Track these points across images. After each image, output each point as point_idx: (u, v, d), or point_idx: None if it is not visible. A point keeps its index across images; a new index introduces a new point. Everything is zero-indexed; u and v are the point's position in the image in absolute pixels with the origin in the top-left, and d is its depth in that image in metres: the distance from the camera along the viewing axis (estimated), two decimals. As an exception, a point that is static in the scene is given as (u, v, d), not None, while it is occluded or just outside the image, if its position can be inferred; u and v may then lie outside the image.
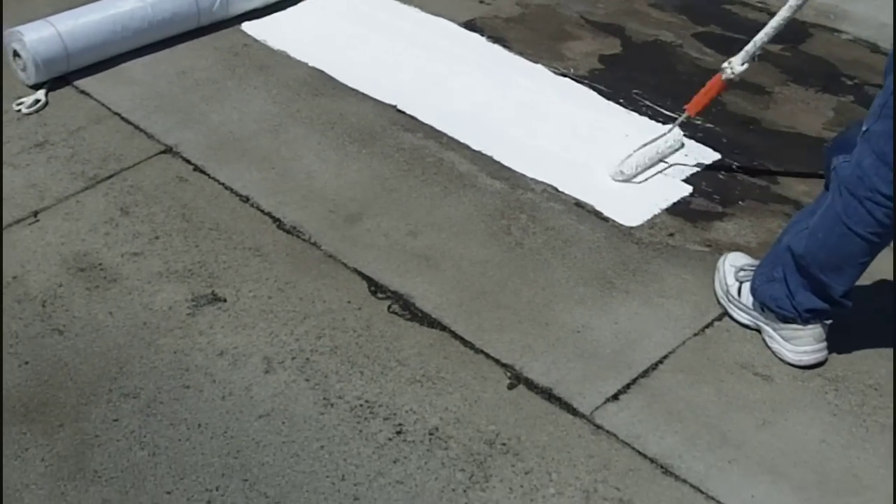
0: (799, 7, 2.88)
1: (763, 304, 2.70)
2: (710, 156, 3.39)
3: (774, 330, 2.69)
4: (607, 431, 2.51)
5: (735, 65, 3.05)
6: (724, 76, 3.08)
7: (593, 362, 2.67)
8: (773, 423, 2.55)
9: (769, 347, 2.71)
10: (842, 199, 2.46)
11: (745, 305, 2.75)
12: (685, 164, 3.33)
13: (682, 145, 3.38)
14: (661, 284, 2.90)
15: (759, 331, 2.75)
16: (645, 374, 2.65)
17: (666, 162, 3.33)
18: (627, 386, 2.62)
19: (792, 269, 2.61)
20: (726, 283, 2.81)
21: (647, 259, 2.99)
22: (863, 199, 2.41)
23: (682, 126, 3.31)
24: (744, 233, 3.09)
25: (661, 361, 2.69)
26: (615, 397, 2.59)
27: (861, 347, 2.74)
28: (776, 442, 2.50)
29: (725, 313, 2.81)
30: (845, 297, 2.57)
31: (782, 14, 2.93)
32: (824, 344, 2.67)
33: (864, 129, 2.42)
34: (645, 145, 3.26)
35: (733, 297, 2.78)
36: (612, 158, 3.29)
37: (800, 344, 2.66)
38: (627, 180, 3.25)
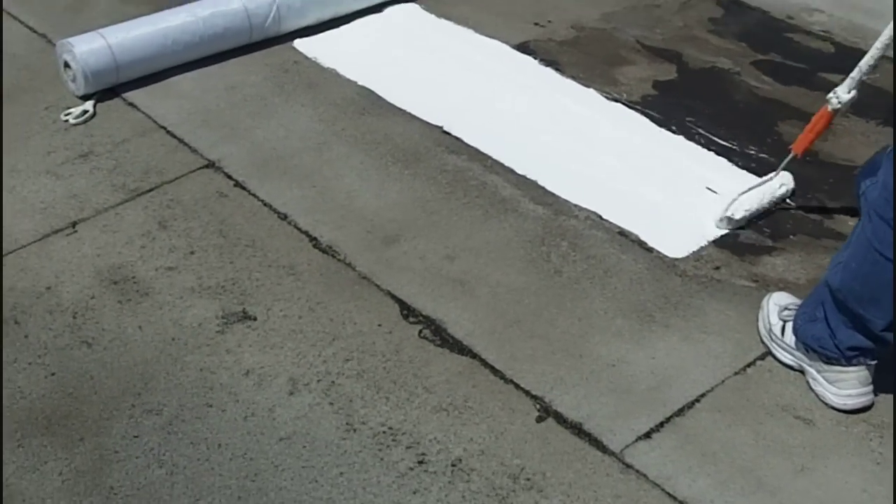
0: None
1: (806, 345, 2.60)
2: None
3: (818, 372, 2.60)
4: (637, 471, 2.42)
5: (841, 94, 2.90)
6: (829, 107, 2.93)
7: (627, 398, 2.59)
8: (813, 469, 2.45)
9: (812, 390, 2.61)
10: (871, 224, 2.39)
11: (788, 345, 2.66)
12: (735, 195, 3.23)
13: (794, 192, 3.26)
14: (703, 320, 2.81)
15: (802, 372, 2.66)
16: (680, 412, 2.56)
17: (715, 191, 3.22)
18: (661, 424, 2.53)
19: (831, 306, 2.52)
20: (769, 322, 2.72)
21: (690, 293, 2.90)
22: (891, 220, 2.33)
23: (734, 156, 3.23)
24: (793, 268, 2.99)
25: (697, 400, 2.60)
26: (647, 436, 2.50)
27: (908, 392, 2.63)
28: (814, 489, 2.40)
29: (768, 353, 2.71)
30: (886, 332, 2.47)
31: (886, 34, 2.75)
32: (870, 388, 2.57)
33: (887, 148, 2.36)
34: (751, 188, 3.13)
35: (776, 336, 2.69)
36: (661, 186, 3.21)
37: (844, 387, 2.56)
38: (734, 228, 3.12)
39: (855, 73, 2.86)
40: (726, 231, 3.11)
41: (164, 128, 3.50)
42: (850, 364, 2.53)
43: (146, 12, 3.83)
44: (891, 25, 2.72)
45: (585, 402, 2.57)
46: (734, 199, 3.09)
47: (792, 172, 3.27)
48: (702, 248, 3.06)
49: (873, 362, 2.54)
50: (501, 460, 2.44)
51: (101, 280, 2.91)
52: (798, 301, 2.71)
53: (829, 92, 2.95)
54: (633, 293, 2.89)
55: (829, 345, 2.54)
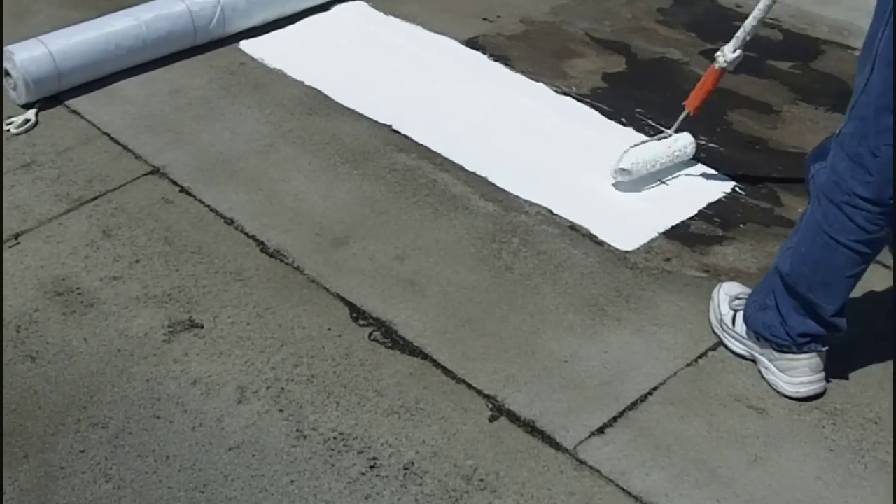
0: None
1: (757, 333, 2.59)
2: (712, 177, 3.27)
3: (770, 360, 2.58)
4: (591, 467, 2.40)
5: (727, 52, 3.01)
6: (716, 65, 3.04)
7: (579, 394, 2.57)
8: (766, 459, 2.43)
9: (765, 379, 2.60)
10: (821, 207, 2.38)
11: (739, 335, 2.65)
12: (685, 186, 3.22)
13: (693, 150, 3.29)
14: (655, 312, 2.80)
15: (754, 361, 2.64)
16: (633, 406, 2.55)
17: (665, 182, 3.22)
18: (614, 419, 2.51)
19: (782, 292, 2.51)
20: (720, 312, 2.70)
21: (641, 285, 2.88)
22: (841, 204, 2.33)
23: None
24: (744, 257, 2.98)
25: (650, 393, 2.58)
26: (600, 431, 2.48)
27: (861, 379, 2.62)
28: (768, 479, 2.39)
29: (720, 343, 2.69)
30: (837, 317, 2.46)
31: None
32: (822, 374, 2.56)
33: (836, 132, 2.35)
34: (644, 142, 3.18)
35: (727, 326, 2.67)
36: (611, 179, 3.20)
37: (796, 375, 2.55)
38: (627, 179, 3.15)
39: (740, 34, 2.99)
40: (622, 180, 3.18)
41: (107, 134, 3.45)
42: (801, 351, 2.52)
43: (89, 17, 3.78)
44: None
45: (538, 400, 2.55)
46: (625, 151, 3.14)
47: (740, 160, 3.27)
48: (652, 239, 3.04)
49: (824, 349, 2.53)
50: (454, 462, 2.41)
51: (44, 292, 2.86)
52: (748, 290, 2.70)
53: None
54: (585, 287, 2.87)
55: (780, 332, 2.52)
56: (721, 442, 2.46)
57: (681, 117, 3.15)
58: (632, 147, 3.16)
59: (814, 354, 2.53)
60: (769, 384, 2.59)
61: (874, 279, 2.82)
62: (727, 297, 2.72)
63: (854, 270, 2.42)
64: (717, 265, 2.95)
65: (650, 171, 3.19)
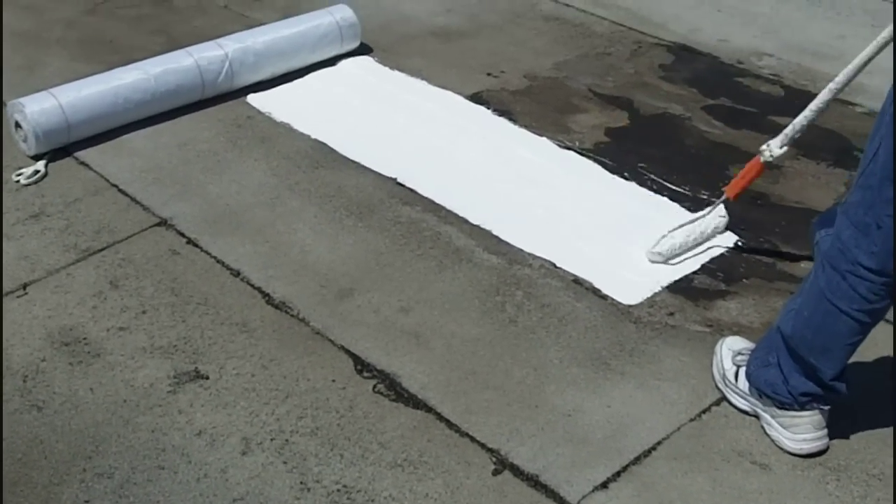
0: (839, 90, 2.81)
1: (759, 390, 2.60)
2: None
3: (772, 417, 2.59)
4: (594, 521, 2.41)
5: (773, 147, 2.98)
6: (762, 159, 3.00)
7: (583, 448, 2.58)
8: (769, 513, 2.44)
9: (768, 435, 2.61)
10: (825, 274, 2.39)
11: (742, 391, 2.66)
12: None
13: (726, 227, 3.30)
14: (658, 366, 2.81)
15: (757, 417, 2.65)
16: (637, 461, 2.55)
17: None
18: (617, 473, 2.52)
19: (784, 352, 2.52)
20: (723, 368, 2.71)
21: (644, 339, 2.90)
22: (845, 273, 2.33)
23: (686, 201, 3.24)
24: (747, 312, 3.00)
25: (654, 448, 2.59)
26: (604, 485, 2.49)
27: (865, 435, 2.62)
28: (771, 534, 2.39)
29: (723, 398, 2.70)
30: (837, 381, 2.47)
31: (823, 97, 2.84)
32: (824, 431, 2.57)
33: (843, 200, 2.37)
34: (683, 225, 3.16)
35: (730, 381, 2.69)
36: (614, 233, 3.22)
37: (798, 431, 2.55)
38: (665, 262, 3.15)
39: (788, 130, 2.94)
40: (656, 260, 3.15)
41: (115, 186, 3.48)
42: (803, 409, 2.53)
43: (99, 70, 3.83)
44: (829, 87, 2.81)
45: (542, 454, 2.56)
46: (664, 236, 3.13)
47: (742, 215, 3.29)
48: (655, 294, 3.06)
49: (827, 407, 2.54)
50: (457, 515, 2.42)
51: (52, 342, 2.87)
52: (751, 345, 2.71)
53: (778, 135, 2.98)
54: (588, 341, 2.89)
55: (782, 390, 2.54)
56: (725, 498, 2.46)
57: (718, 201, 3.16)
58: (671, 231, 3.15)
59: (816, 412, 2.54)
60: (772, 440, 2.59)
61: (878, 336, 2.82)
62: (730, 352, 2.73)
63: (854, 338, 2.41)
64: (721, 320, 2.96)
65: (680, 251, 3.20)
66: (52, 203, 3.41)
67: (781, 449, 2.57)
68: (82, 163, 3.61)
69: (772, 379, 2.55)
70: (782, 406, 2.55)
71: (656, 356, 2.84)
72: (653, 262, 3.15)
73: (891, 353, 2.83)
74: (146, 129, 3.78)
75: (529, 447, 2.57)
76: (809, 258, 3.15)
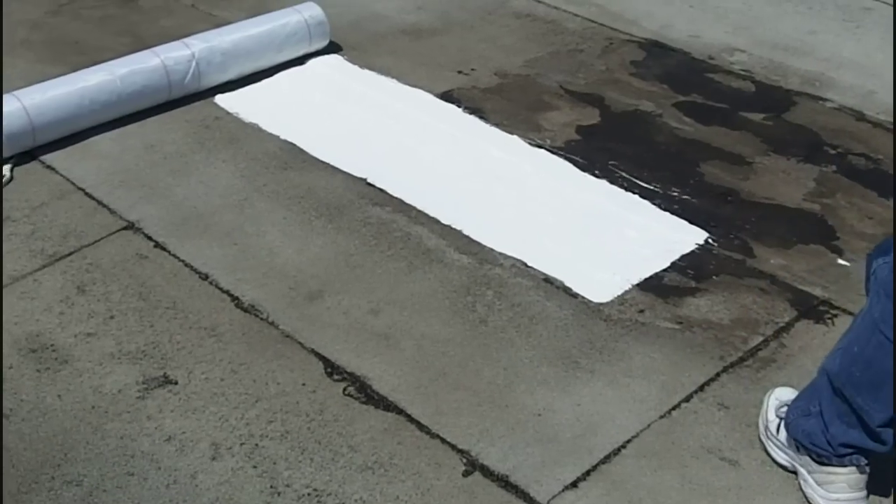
0: None
1: (797, 441, 2.46)
2: (685, 228, 3.30)
3: (809, 472, 2.45)
4: (564, 521, 2.40)
5: None
6: None
7: (553, 447, 2.57)
8: (739, 511, 2.44)
9: (803, 492, 2.46)
10: (880, 304, 2.23)
11: (781, 443, 2.53)
12: (659, 238, 3.24)
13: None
14: (629, 364, 2.81)
15: (796, 474, 2.51)
16: (606, 459, 2.55)
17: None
18: (587, 473, 2.51)
19: (828, 396, 2.36)
20: (767, 419, 2.59)
21: (614, 337, 2.89)
22: None
23: (656, 199, 3.23)
24: (717, 309, 3.00)
25: (623, 446, 2.58)
26: (574, 485, 2.48)
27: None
28: (742, 532, 2.39)
29: (692, 395, 2.69)
30: (884, 428, 2.30)
31: None
32: (863, 494, 2.41)
33: None
34: None
35: (772, 434, 2.56)
36: (585, 231, 3.21)
37: (833, 490, 2.40)
38: None
39: None
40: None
41: (82, 190, 3.46)
42: (841, 464, 2.39)
43: (64, 72, 3.80)
44: None
45: (512, 454, 2.55)
46: None
47: (712, 211, 3.29)
48: (626, 291, 3.05)
49: (866, 463, 2.39)
50: (428, 517, 2.41)
51: (18, 349, 2.85)
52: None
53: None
54: (559, 340, 2.88)
55: (820, 440, 2.39)
56: (694, 494, 2.46)
57: None
58: None
59: (853, 469, 2.38)
60: (806, 497, 2.46)
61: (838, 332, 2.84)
62: (776, 402, 2.61)
63: None
64: (691, 317, 2.96)
65: None
66: (18, 208, 3.38)
67: None
68: (48, 166, 3.58)
69: (811, 429, 2.41)
70: (819, 459, 2.41)
71: (626, 354, 2.84)
72: None
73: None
74: (113, 131, 3.75)
75: (500, 447, 2.57)
76: (781, 251, 3.18)
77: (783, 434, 2.52)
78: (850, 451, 2.37)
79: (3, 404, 2.67)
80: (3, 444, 2.58)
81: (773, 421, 2.57)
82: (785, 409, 2.55)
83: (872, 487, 2.44)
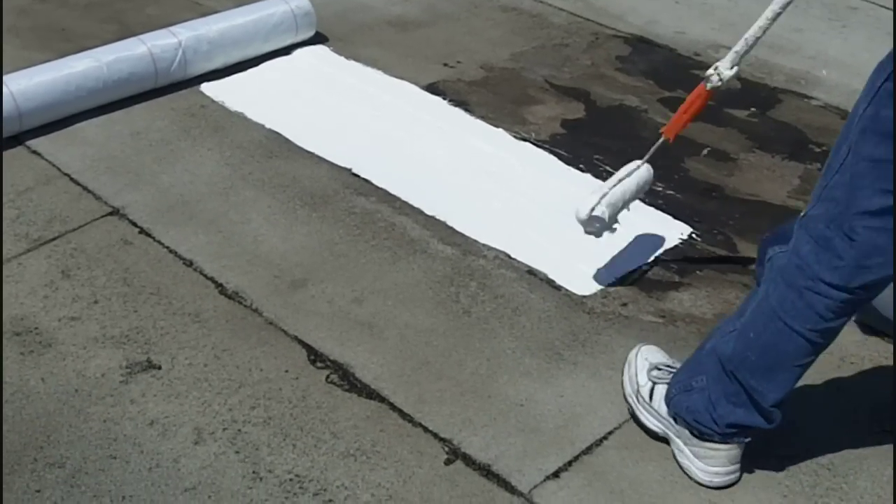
0: None
1: (677, 416, 2.47)
2: (668, 223, 3.31)
3: (685, 444, 2.47)
4: (545, 511, 2.42)
5: (723, 69, 2.63)
6: (708, 85, 2.67)
7: (535, 437, 2.58)
8: (720, 503, 2.45)
9: (677, 461, 2.49)
10: (777, 291, 2.26)
11: (656, 412, 2.52)
12: (642, 232, 3.25)
13: (651, 179, 3.07)
14: (611, 356, 2.82)
15: (667, 441, 2.54)
16: (588, 450, 2.56)
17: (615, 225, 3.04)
18: (569, 463, 2.53)
19: (716, 376, 2.37)
20: (637, 382, 2.58)
21: (597, 330, 2.91)
22: (802, 290, 2.20)
23: (645, 195, 3.23)
24: (700, 303, 3.01)
25: (605, 437, 2.60)
26: (555, 475, 2.49)
27: (814, 425, 2.64)
28: (721, 523, 2.41)
29: (632, 415, 2.63)
30: (775, 409, 2.34)
31: (777, 2, 2.52)
32: (738, 465, 2.46)
33: (802, 214, 2.25)
34: (613, 186, 2.86)
35: (643, 399, 2.55)
36: (569, 224, 3.22)
37: (712, 464, 2.43)
38: (600, 232, 2.88)
39: (739, 47, 2.64)
40: (592, 231, 2.93)
41: (67, 175, 3.45)
42: (723, 441, 2.42)
43: (51, 58, 3.79)
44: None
45: (494, 443, 2.56)
46: (601, 196, 2.84)
47: (696, 207, 3.30)
48: (609, 285, 3.06)
49: (747, 440, 2.43)
50: (409, 504, 2.42)
51: (2, 332, 2.85)
52: (669, 361, 2.60)
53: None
54: (542, 331, 2.89)
55: (705, 419, 2.40)
56: (675, 487, 2.48)
57: (656, 145, 2.86)
58: (601, 197, 2.85)
59: (735, 446, 2.42)
60: (682, 468, 2.49)
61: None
62: (646, 363, 2.60)
63: (803, 360, 2.30)
64: (674, 311, 2.98)
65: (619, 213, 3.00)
66: (3, 192, 3.37)
67: (690, 478, 2.48)
68: (34, 151, 3.57)
69: (694, 406, 2.41)
70: (700, 435, 2.43)
71: (609, 346, 2.85)
72: (588, 232, 2.89)
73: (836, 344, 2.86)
74: (99, 117, 3.75)
75: (482, 437, 2.58)
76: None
77: (658, 402, 2.52)
78: (735, 430, 2.40)
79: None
80: (-14, 427, 2.58)
81: (645, 385, 2.56)
82: (657, 372, 2.55)
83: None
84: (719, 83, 2.64)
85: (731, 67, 2.63)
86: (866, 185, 2.11)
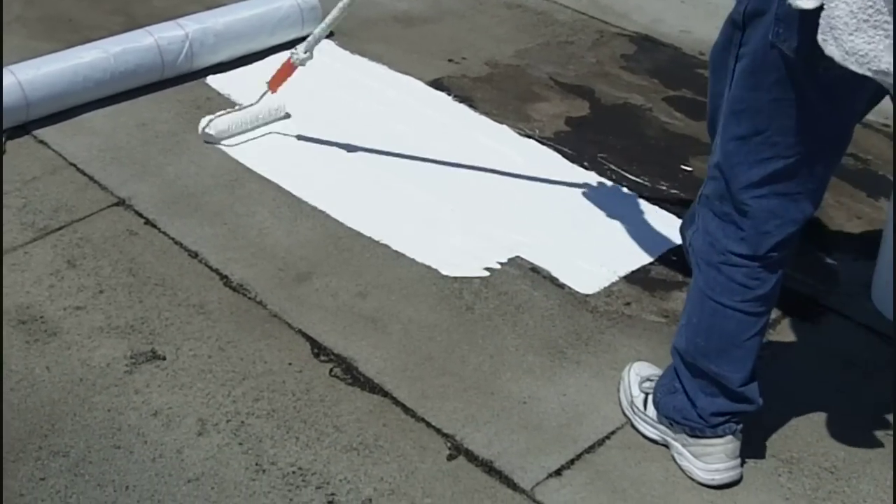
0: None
1: (669, 418, 2.50)
2: (672, 222, 3.32)
3: (683, 446, 2.49)
4: (547, 508, 2.43)
5: (300, 52, 3.46)
6: (292, 59, 3.50)
7: (538, 435, 2.60)
8: None
9: (679, 466, 2.52)
10: (701, 273, 2.34)
11: (650, 419, 2.56)
12: (646, 231, 3.26)
13: (288, 115, 3.71)
14: (614, 355, 2.83)
15: (667, 447, 2.56)
16: (590, 449, 2.57)
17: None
18: (571, 461, 2.54)
19: (685, 373, 2.43)
20: (631, 395, 2.62)
21: (600, 328, 2.92)
22: (719, 265, 2.28)
23: (645, 192, 3.25)
24: (702, 303, 3.02)
25: (608, 437, 2.61)
26: (558, 473, 2.51)
27: (817, 428, 2.65)
28: (722, 523, 2.42)
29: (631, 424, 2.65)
30: (746, 387, 2.37)
31: (340, 5, 3.35)
32: (737, 461, 2.48)
33: (699, 194, 2.34)
34: (243, 108, 3.60)
35: (638, 409, 2.59)
36: (573, 222, 3.24)
37: (711, 461, 2.46)
38: (216, 142, 3.52)
39: (311, 39, 3.47)
40: (209, 142, 3.55)
41: (74, 165, 3.46)
42: (716, 434, 2.44)
43: (58, 49, 3.80)
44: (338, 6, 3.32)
45: (496, 440, 2.57)
46: (216, 116, 3.56)
47: (689, 204, 3.31)
48: (613, 283, 3.08)
49: (739, 427, 2.45)
50: (412, 499, 2.43)
51: (8, 320, 2.86)
52: (659, 371, 2.63)
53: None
54: (545, 330, 2.91)
55: (691, 415, 2.44)
56: (677, 487, 2.49)
57: (263, 94, 3.58)
58: (220, 115, 3.58)
59: (730, 438, 2.44)
60: (683, 471, 2.50)
61: (823, 330, 2.89)
62: (637, 377, 2.64)
63: (749, 333, 2.34)
64: (677, 310, 2.99)
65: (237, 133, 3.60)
66: (10, 181, 3.38)
67: (692, 480, 2.49)
68: (41, 141, 3.58)
69: (679, 404, 2.46)
70: (693, 433, 2.46)
71: (612, 345, 2.87)
72: (207, 142, 3.53)
73: (840, 347, 2.88)
74: (105, 108, 3.75)
75: (484, 433, 2.59)
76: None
77: (651, 410, 2.56)
78: (721, 418, 2.43)
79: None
80: (-9, 415, 2.60)
81: (639, 396, 2.61)
82: (647, 384, 2.60)
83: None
84: (299, 62, 3.50)
85: (306, 52, 3.48)
86: (740, 160, 2.20)
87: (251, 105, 3.60)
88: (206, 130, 3.49)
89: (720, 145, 2.25)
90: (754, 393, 2.40)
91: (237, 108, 3.61)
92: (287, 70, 3.51)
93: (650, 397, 2.57)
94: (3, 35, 4.13)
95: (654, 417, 2.56)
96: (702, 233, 2.33)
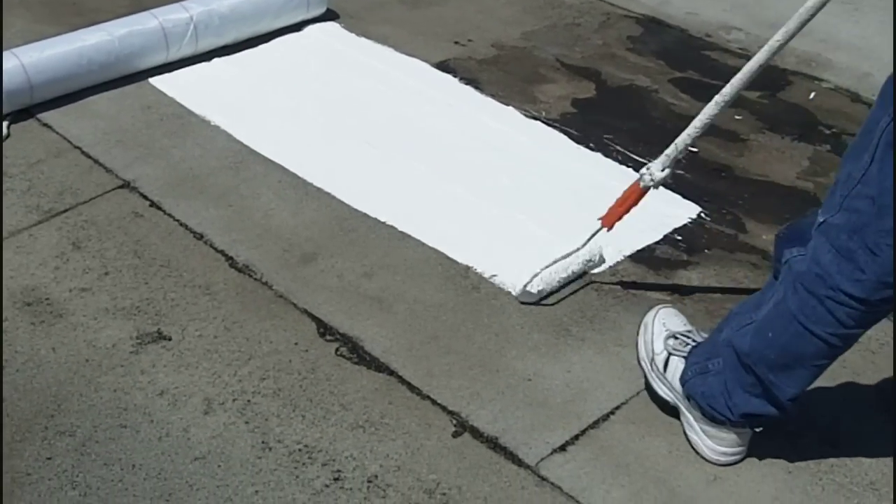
0: (727, 102, 2.58)
1: (693, 399, 2.45)
2: (678, 202, 3.32)
3: (696, 420, 2.47)
4: (552, 483, 2.43)
5: (654, 171, 2.71)
6: (642, 184, 2.73)
7: (542, 411, 2.60)
8: (725, 478, 2.46)
9: (686, 435, 2.51)
10: (797, 296, 2.21)
11: (669, 383, 2.52)
12: (652, 211, 3.25)
13: (604, 260, 3.07)
14: (619, 333, 2.83)
15: (676, 414, 2.54)
16: (595, 424, 2.57)
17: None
18: (576, 437, 2.54)
19: (733, 366, 2.35)
20: (653, 349, 2.56)
21: (605, 307, 2.92)
22: (823, 298, 2.15)
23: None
24: (708, 282, 3.02)
25: (612, 412, 2.61)
26: (562, 448, 2.51)
27: (820, 403, 2.65)
28: (727, 499, 2.42)
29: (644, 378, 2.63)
30: (792, 402, 2.32)
31: (708, 111, 2.60)
32: (746, 446, 2.47)
33: (820, 220, 2.17)
34: (556, 261, 2.92)
35: (657, 368, 2.54)
36: (578, 202, 3.23)
37: (721, 444, 2.45)
38: (536, 302, 2.92)
39: (670, 151, 2.69)
40: (531, 302, 2.93)
41: (79, 148, 3.46)
42: (734, 426, 2.42)
43: (62, 32, 3.80)
44: (709, 105, 2.59)
45: (501, 417, 2.58)
46: (536, 274, 2.90)
47: (706, 186, 3.31)
48: (618, 262, 3.08)
49: (759, 429, 2.44)
50: (417, 476, 2.43)
51: (14, 302, 2.87)
52: (690, 330, 2.57)
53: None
54: (550, 308, 2.91)
55: (719, 405, 2.39)
56: (681, 461, 2.49)
57: (595, 232, 2.83)
58: (544, 268, 2.91)
59: (746, 429, 2.44)
60: (689, 441, 2.51)
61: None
62: (664, 330, 2.57)
63: (822, 361, 2.27)
64: (681, 288, 2.99)
65: (552, 290, 2.98)
66: (15, 164, 3.39)
67: (696, 452, 2.49)
68: (45, 124, 3.59)
69: (710, 391, 2.40)
70: (713, 420, 2.43)
71: (617, 323, 2.87)
72: (523, 302, 2.92)
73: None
74: (110, 91, 3.75)
75: (489, 410, 2.59)
76: (770, 227, 3.20)
77: (672, 374, 2.50)
78: (748, 419, 2.39)
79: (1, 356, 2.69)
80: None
81: (661, 353, 2.54)
82: (673, 341, 2.53)
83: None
84: (651, 184, 2.72)
85: (663, 170, 2.71)
86: (889, 202, 2.04)
87: (577, 250, 2.92)
88: (528, 289, 2.89)
89: (875, 178, 2.04)
90: (792, 409, 2.35)
91: (560, 258, 2.92)
92: (633, 199, 2.77)
93: (673, 358, 2.51)
94: (7, 19, 4.13)
95: (675, 385, 2.50)
96: (810, 261, 2.18)
